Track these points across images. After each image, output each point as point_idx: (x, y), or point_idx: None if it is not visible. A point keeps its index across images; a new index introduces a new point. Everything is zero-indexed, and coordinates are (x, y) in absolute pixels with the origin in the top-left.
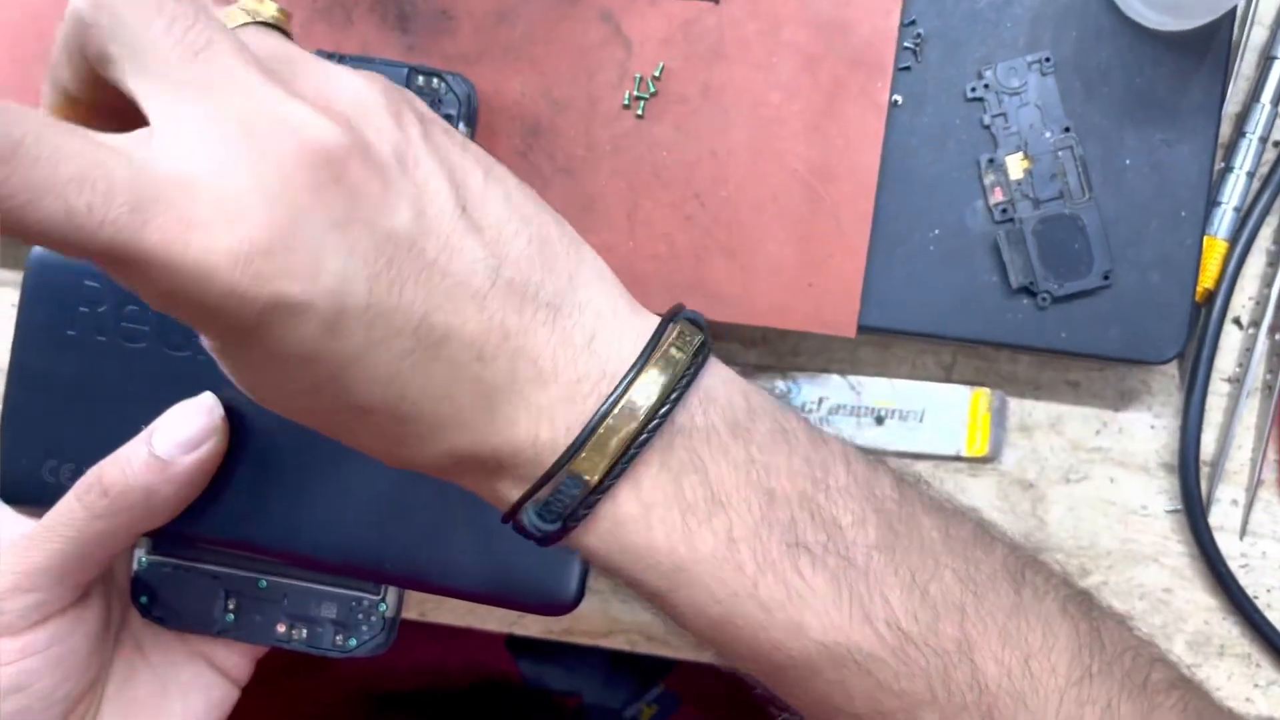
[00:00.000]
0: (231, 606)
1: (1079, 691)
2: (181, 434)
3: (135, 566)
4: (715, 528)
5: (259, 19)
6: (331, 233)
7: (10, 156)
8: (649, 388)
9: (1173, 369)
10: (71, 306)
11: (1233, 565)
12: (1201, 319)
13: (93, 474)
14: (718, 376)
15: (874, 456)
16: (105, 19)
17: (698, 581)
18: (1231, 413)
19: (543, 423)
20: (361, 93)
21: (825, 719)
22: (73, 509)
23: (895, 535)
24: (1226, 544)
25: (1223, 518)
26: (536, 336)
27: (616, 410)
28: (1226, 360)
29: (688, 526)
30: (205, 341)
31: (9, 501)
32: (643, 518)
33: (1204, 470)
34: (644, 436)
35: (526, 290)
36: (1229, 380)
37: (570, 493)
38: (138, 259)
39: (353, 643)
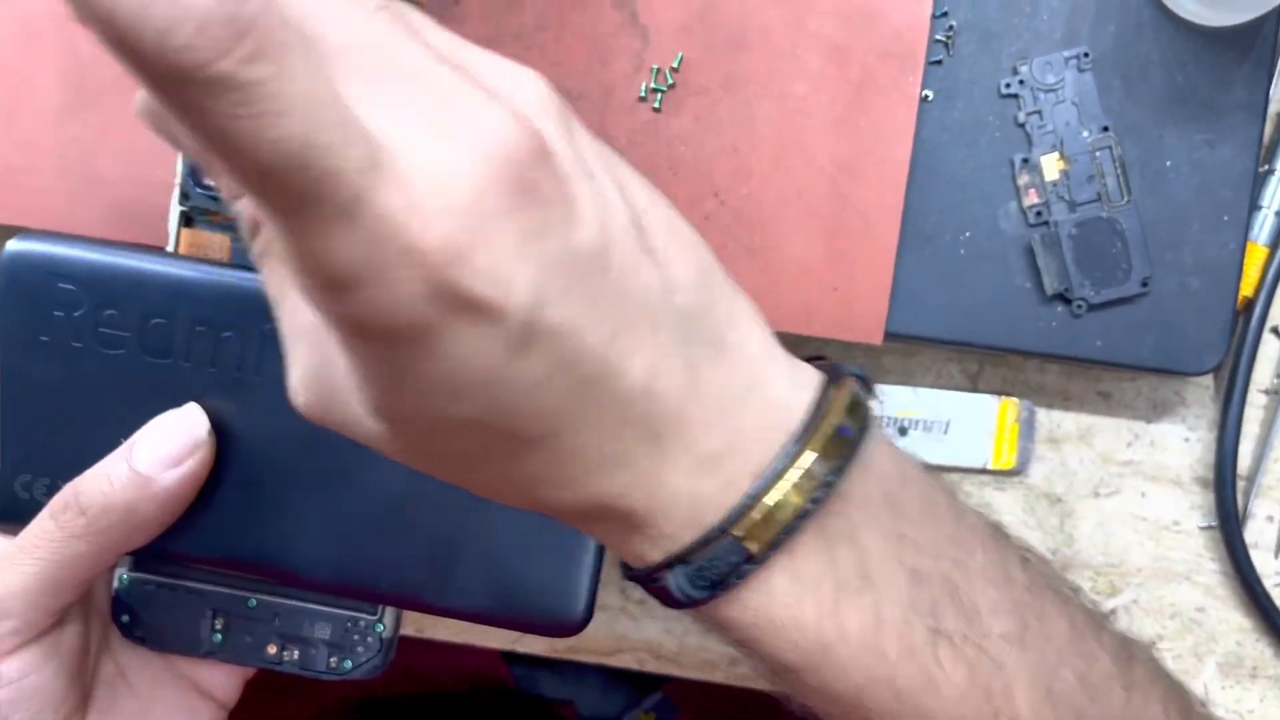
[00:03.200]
0: (219, 626)
1: None
2: (165, 448)
3: (116, 584)
4: (863, 606)
5: None
6: (527, 243)
7: (293, 73)
8: (818, 453)
9: (1208, 380)
10: (45, 311)
11: (1268, 584)
12: (1239, 327)
13: (69, 491)
14: (878, 440)
15: (998, 525)
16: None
17: (837, 663)
18: (1269, 425)
19: (704, 474)
20: (538, 89)
21: None
22: (47, 529)
23: (1026, 627)
24: (1261, 562)
25: (1258, 534)
26: (702, 374)
27: (787, 477)
28: (1264, 371)
29: (838, 603)
30: (347, 357)
31: None
32: (794, 590)
33: (1239, 485)
34: (812, 506)
35: (692, 322)
36: (1267, 392)
37: (728, 560)
38: (344, 213)
39: (348, 664)
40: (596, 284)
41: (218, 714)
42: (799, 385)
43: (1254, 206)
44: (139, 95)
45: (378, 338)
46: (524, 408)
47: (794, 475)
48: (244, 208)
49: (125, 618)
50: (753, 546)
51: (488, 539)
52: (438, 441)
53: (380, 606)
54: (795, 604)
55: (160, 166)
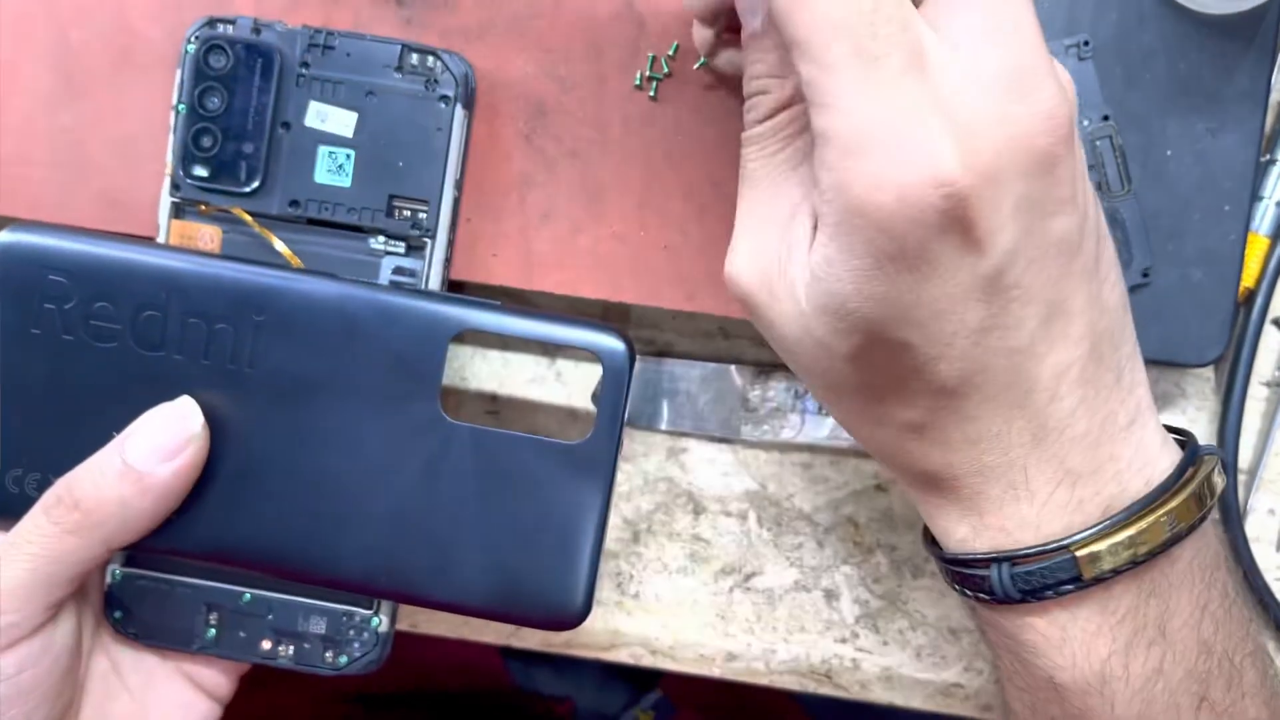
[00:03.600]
0: (213, 622)
1: None
2: (158, 442)
3: (109, 580)
4: (1150, 658)
5: None
6: (1023, 206)
7: None
8: (1173, 512)
9: (1208, 372)
10: (36, 303)
11: (1268, 578)
12: (1240, 319)
13: (61, 485)
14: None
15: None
16: None
17: (1109, 698)
18: (1270, 418)
19: (1063, 486)
20: (1074, 93)
21: None
22: (40, 524)
23: (1274, 714)
24: (1263, 555)
25: (1259, 528)
26: (1100, 394)
27: (1142, 521)
28: (1265, 363)
29: (1130, 645)
30: (830, 245)
31: None
32: (1098, 621)
33: (1240, 479)
34: (1145, 557)
35: (1106, 346)
36: (1268, 384)
37: (1056, 574)
38: (890, 82)
39: (344, 660)
40: (1056, 270)
41: (213, 709)
42: (1168, 444)
43: (1255, 197)
44: None
45: (880, 220)
46: (952, 356)
47: (1140, 526)
48: (776, 89)
49: (118, 614)
50: (1085, 572)
51: (485, 533)
52: (865, 359)
53: (376, 601)
54: (1094, 632)
55: (150, 157)
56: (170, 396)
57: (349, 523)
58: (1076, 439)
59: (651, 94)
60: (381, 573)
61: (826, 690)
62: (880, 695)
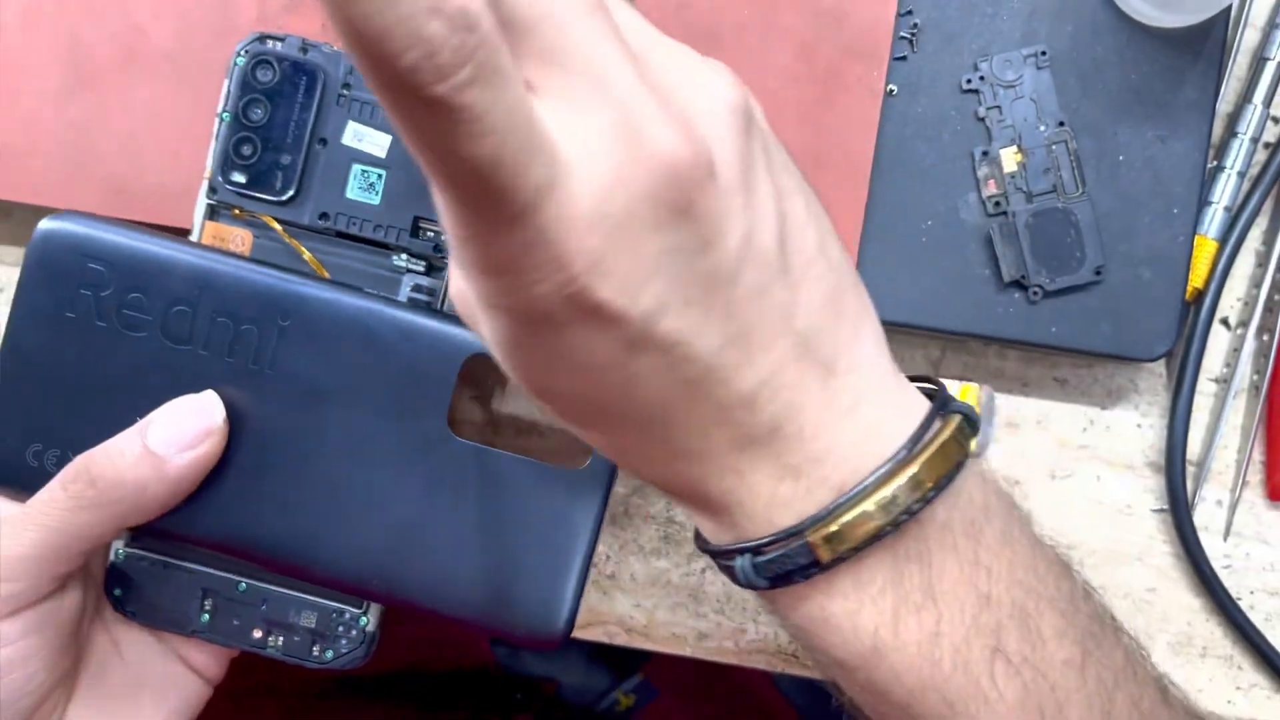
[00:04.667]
0: (208, 607)
1: None
2: (179, 430)
3: (112, 558)
4: (923, 620)
5: None
6: (663, 257)
7: (504, 89)
8: (908, 482)
9: (1160, 368)
10: (73, 288)
11: (1216, 566)
12: (1190, 318)
13: (80, 462)
14: (967, 469)
15: (1067, 558)
16: None
17: (889, 667)
18: (1218, 413)
19: (786, 478)
20: (723, 99)
21: None
22: (57, 497)
23: (1086, 654)
24: (1210, 544)
25: (1208, 518)
26: (806, 393)
27: (871, 499)
28: (1214, 360)
29: (897, 614)
30: (490, 327)
31: None
32: (854, 596)
33: (1190, 470)
34: (886, 531)
35: (810, 344)
36: (1216, 380)
37: (795, 560)
38: (509, 222)
39: (330, 655)
40: (720, 299)
41: (204, 689)
42: (904, 414)
43: (1204, 202)
44: None
45: (508, 315)
46: (626, 396)
47: (877, 498)
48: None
49: (118, 591)
50: (823, 555)
51: (479, 549)
52: (553, 401)
53: (366, 601)
54: (854, 610)
55: (157, 149)
56: (192, 389)
57: (349, 526)
58: (789, 438)
59: None
60: (375, 576)
61: (794, 670)
62: None
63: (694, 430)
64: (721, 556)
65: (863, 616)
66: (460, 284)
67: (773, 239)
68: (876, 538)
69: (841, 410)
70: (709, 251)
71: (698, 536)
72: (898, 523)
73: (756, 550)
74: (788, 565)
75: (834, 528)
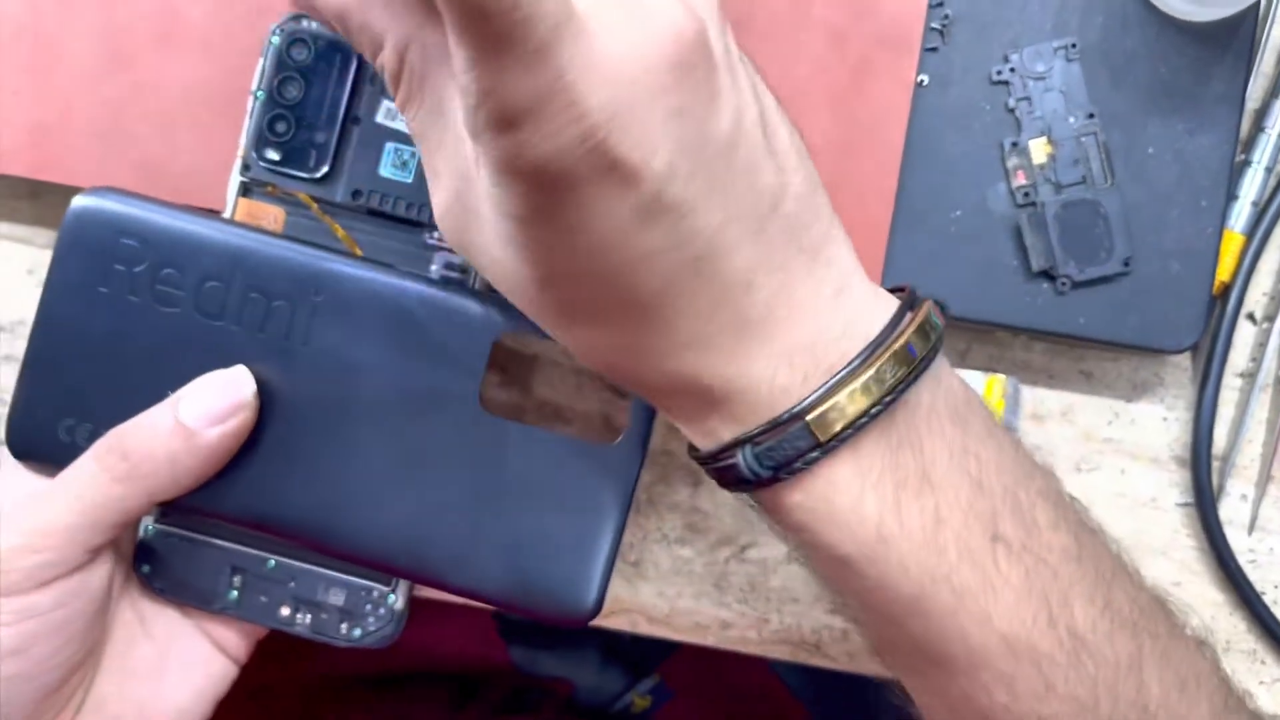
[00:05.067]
0: (237, 584)
1: None
2: (211, 405)
3: (141, 534)
4: (924, 506)
5: None
6: (671, 120)
7: None
8: (893, 360)
9: (1186, 361)
10: (107, 263)
11: (1241, 560)
12: (1216, 312)
13: (114, 436)
14: (944, 363)
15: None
16: None
17: (897, 557)
18: (1243, 407)
19: (782, 365)
20: (704, 6)
21: (970, 718)
22: (90, 470)
23: (1081, 545)
24: (1235, 539)
25: (1232, 512)
26: (796, 276)
27: (861, 377)
28: (1239, 355)
29: (898, 500)
30: (496, 191)
31: (19, 457)
32: (857, 483)
33: (1215, 464)
34: (878, 409)
35: (796, 229)
36: (1241, 375)
37: (795, 444)
38: (529, 58)
39: (358, 633)
40: (720, 173)
41: (229, 669)
42: (881, 303)
43: (1231, 196)
44: None
45: (530, 178)
46: (637, 275)
47: (865, 376)
48: (386, 60)
49: (146, 567)
50: (821, 435)
51: (509, 527)
52: (551, 289)
53: (394, 579)
54: (857, 496)
55: (186, 129)
56: (224, 364)
57: (379, 502)
58: (781, 321)
59: None
60: (404, 553)
61: (817, 660)
62: (867, 666)
63: (699, 313)
64: (722, 454)
65: (866, 504)
66: (449, 156)
67: (757, 123)
68: (870, 415)
69: (827, 298)
70: (711, 122)
71: (691, 449)
72: (887, 400)
73: (757, 440)
74: (788, 450)
75: (828, 406)
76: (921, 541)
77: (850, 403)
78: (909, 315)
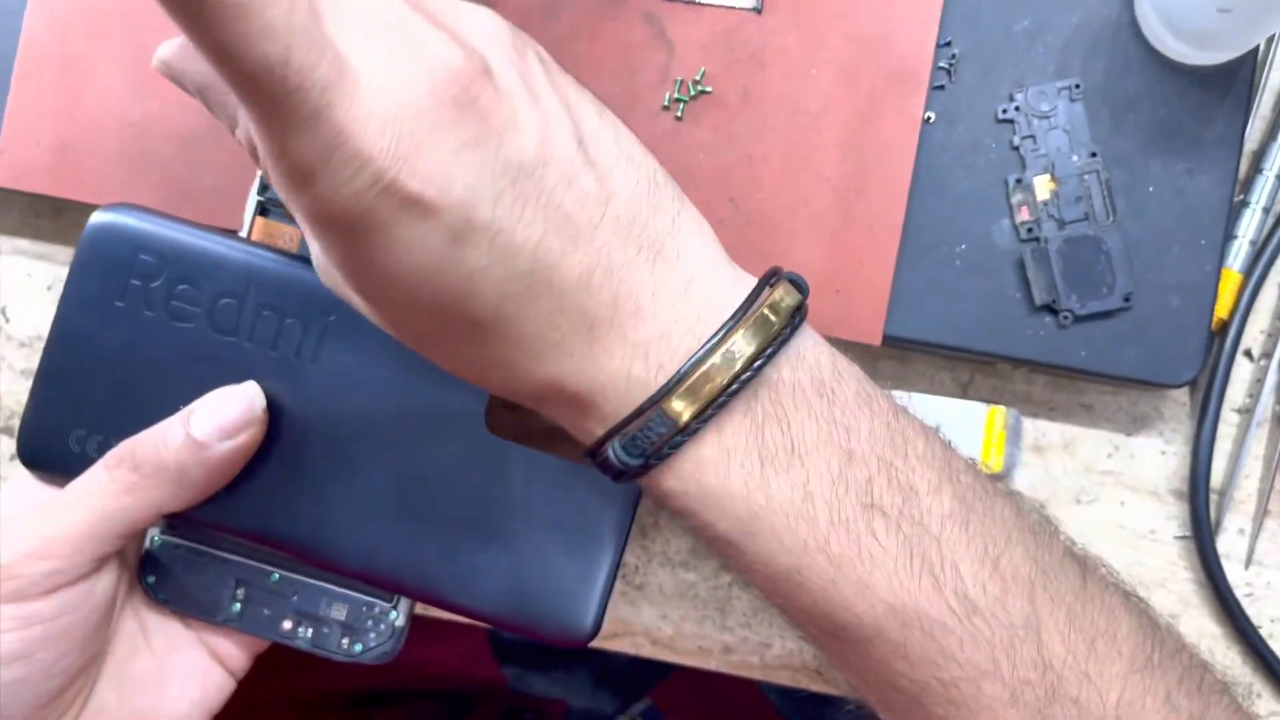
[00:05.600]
0: (240, 596)
1: (1141, 679)
2: (221, 419)
3: (147, 545)
4: (793, 479)
5: None
6: (464, 150)
7: None
8: (745, 339)
9: (1184, 396)
10: (123, 278)
11: (1239, 594)
12: (1214, 349)
13: (125, 447)
14: (808, 338)
15: (948, 441)
16: None
17: (770, 530)
18: (1241, 442)
19: (636, 359)
20: (487, 25)
21: (881, 689)
22: (100, 480)
23: (969, 508)
24: (1232, 572)
25: (1229, 546)
26: (638, 274)
27: (713, 358)
28: (1237, 391)
29: (765, 475)
30: (320, 250)
31: (30, 466)
32: (723, 462)
33: (1212, 498)
34: (735, 387)
35: (632, 229)
36: (1239, 410)
37: (657, 430)
38: (309, 119)
39: (358, 648)
40: (530, 190)
41: (228, 682)
42: (736, 285)
43: (1229, 235)
44: (156, 53)
45: (336, 225)
46: (468, 294)
47: (717, 358)
48: (240, 136)
49: (151, 578)
50: (680, 419)
51: (510, 546)
52: (404, 319)
53: (396, 596)
54: (724, 474)
55: (208, 151)
56: (236, 380)
57: (383, 520)
58: (630, 315)
59: (678, 115)
60: (407, 571)
61: (818, 686)
62: None
63: (542, 322)
64: (597, 450)
65: (733, 481)
66: (318, 255)
67: (569, 139)
68: (727, 393)
69: (675, 290)
70: (505, 145)
71: (583, 453)
72: (742, 378)
73: (622, 432)
74: (651, 437)
75: (682, 390)
76: (792, 514)
77: (704, 384)
78: (763, 295)
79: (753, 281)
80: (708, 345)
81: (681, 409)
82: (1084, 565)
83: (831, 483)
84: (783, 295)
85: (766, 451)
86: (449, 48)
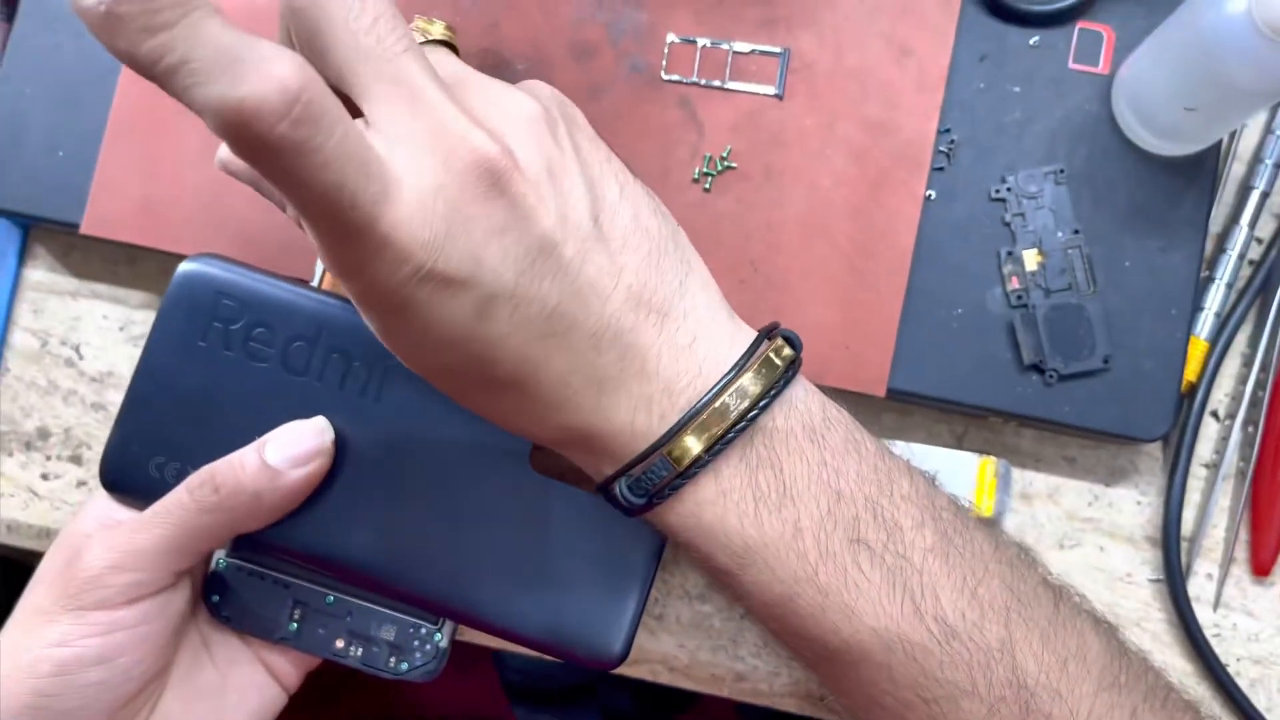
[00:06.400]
0: (297, 616)
1: (1109, 696)
2: (294, 449)
3: (213, 566)
4: (784, 517)
5: (430, 38)
6: (492, 237)
7: (333, 127)
8: (741, 392)
9: (1157, 451)
10: (207, 319)
11: (1207, 634)
12: (1184, 409)
13: (205, 472)
14: (801, 387)
15: (934, 478)
16: (315, 10)
17: (763, 563)
18: (1208, 495)
19: (640, 410)
20: (523, 110)
21: (869, 708)
22: (182, 500)
23: (949, 542)
24: (1202, 614)
25: (1199, 589)
26: (645, 336)
27: (709, 410)
28: (1205, 448)
29: (759, 514)
30: (379, 325)
31: (110, 489)
32: (719, 502)
33: (1183, 545)
34: (729, 436)
35: (641, 296)
36: (1207, 465)
37: (659, 473)
38: (358, 233)
39: (404, 666)
40: (549, 266)
41: (281, 696)
42: (734, 342)
43: (1197, 306)
44: (217, 155)
45: (383, 307)
46: (492, 359)
47: (715, 409)
48: (292, 215)
49: (215, 597)
50: (679, 464)
51: (548, 575)
52: (438, 378)
53: (441, 618)
54: (721, 513)
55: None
56: (305, 415)
57: (433, 547)
58: (635, 374)
59: (706, 187)
60: (454, 595)
61: (822, 714)
62: None
63: (556, 379)
64: (606, 487)
65: (729, 520)
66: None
67: (586, 216)
68: (723, 441)
69: (680, 348)
70: (530, 228)
71: (596, 489)
72: (739, 428)
73: (629, 473)
74: (654, 479)
75: (685, 439)
76: (783, 548)
77: (705, 433)
78: (760, 349)
79: (752, 334)
80: (706, 398)
81: (682, 455)
82: (1057, 593)
83: (820, 520)
84: (779, 348)
85: (760, 492)
86: (482, 140)
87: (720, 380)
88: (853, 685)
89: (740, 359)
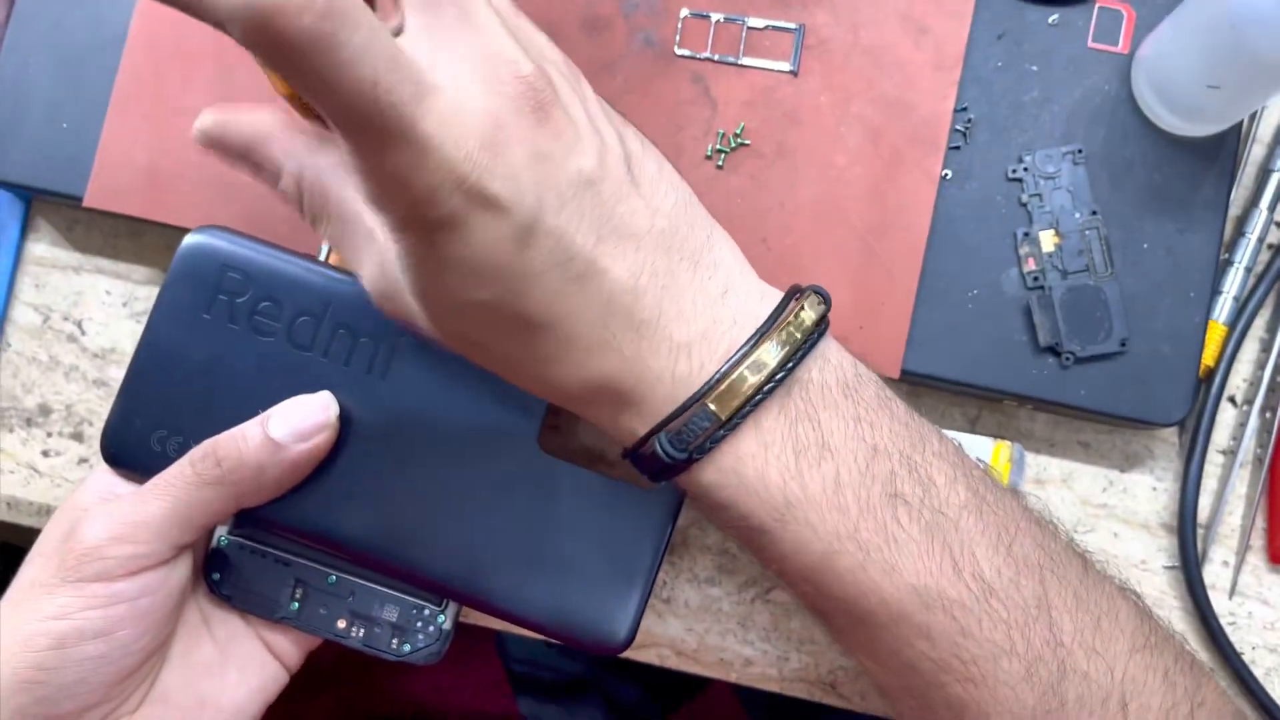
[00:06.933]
0: (298, 596)
1: (1143, 657)
2: (298, 423)
3: (214, 543)
4: (824, 471)
5: None
6: (535, 162)
7: (358, 23)
8: (779, 342)
9: (1173, 436)
10: (212, 292)
11: (1223, 621)
12: (1201, 394)
13: (208, 445)
14: (832, 344)
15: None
16: None
17: (804, 519)
18: (1225, 481)
19: (680, 357)
20: (556, 55)
21: (902, 672)
22: (185, 473)
23: (982, 499)
24: (1218, 601)
25: (1214, 577)
26: (680, 279)
27: (751, 357)
28: (1222, 433)
29: (799, 467)
30: (398, 246)
31: (111, 463)
32: (761, 455)
33: (1199, 532)
34: (771, 385)
35: (673, 241)
36: (1223, 452)
37: (701, 425)
38: (399, 134)
39: (407, 648)
40: (588, 202)
41: (281, 674)
42: (766, 296)
43: (1216, 290)
44: (195, 125)
45: (419, 227)
46: (528, 295)
47: (754, 357)
48: (286, 186)
49: (216, 575)
50: (722, 414)
51: (554, 558)
52: (464, 321)
53: (444, 600)
54: (762, 466)
55: None
56: (310, 390)
57: (437, 527)
58: (672, 319)
59: (719, 164)
60: (459, 576)
61: (831, 700)
62: (878, 706)
63: (593, 321)
64: (642, 445)
65: (770, 473)
66: (365, 233)
67: (620, 162)
68: (764, 390)
69: (714, 296)
70: (570, 161)
71: (624, 452)
72: (779, 377)
73: (669, 427)
74: (696, 430)
75: (724, 387)
76: (825, 503)
77: (744, 381)
78: (793, 303)
79: (779, 293)
80: (747, 345)
81: (723, 406)
82: (1084, 557)
83: (859, 474)
84: (810, 304)
85: (800, 445)
86: (529, 66)
87: (759, 329)
88: (889, 648)
89: (775, 309)
